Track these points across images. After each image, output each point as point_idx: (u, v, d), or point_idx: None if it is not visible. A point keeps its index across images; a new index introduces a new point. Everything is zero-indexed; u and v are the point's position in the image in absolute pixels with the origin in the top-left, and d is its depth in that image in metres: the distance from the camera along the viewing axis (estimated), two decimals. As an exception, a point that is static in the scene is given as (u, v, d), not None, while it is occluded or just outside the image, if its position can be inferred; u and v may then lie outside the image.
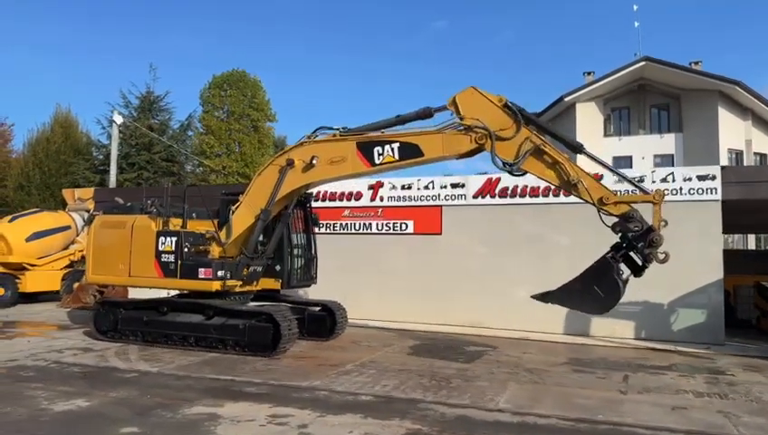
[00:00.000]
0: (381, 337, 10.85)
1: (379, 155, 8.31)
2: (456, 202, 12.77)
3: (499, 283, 12.07)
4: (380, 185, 13.53)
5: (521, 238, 12.12)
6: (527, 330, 11.50)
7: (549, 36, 70.99)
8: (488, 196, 12.52)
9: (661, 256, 7.01)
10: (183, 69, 67.43)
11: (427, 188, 13.07)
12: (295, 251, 10.44)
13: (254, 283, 9.85)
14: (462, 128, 7.82)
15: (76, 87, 64.28)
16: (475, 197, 12.62)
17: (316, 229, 11.06)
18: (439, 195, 12.93)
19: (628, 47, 62.52)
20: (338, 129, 8.75)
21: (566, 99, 31.81)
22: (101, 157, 28.81)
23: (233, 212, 9.38)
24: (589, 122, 32.07)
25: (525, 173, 7.85)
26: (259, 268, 9.80)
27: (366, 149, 8.39)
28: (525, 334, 11.25)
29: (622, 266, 7.35)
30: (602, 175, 10.31)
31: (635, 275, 7.40)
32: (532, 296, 8.26)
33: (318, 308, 10.58)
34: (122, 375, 7.24)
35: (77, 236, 16.96)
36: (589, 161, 8.12)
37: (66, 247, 16.72)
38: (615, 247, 7.46)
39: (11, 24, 61.06)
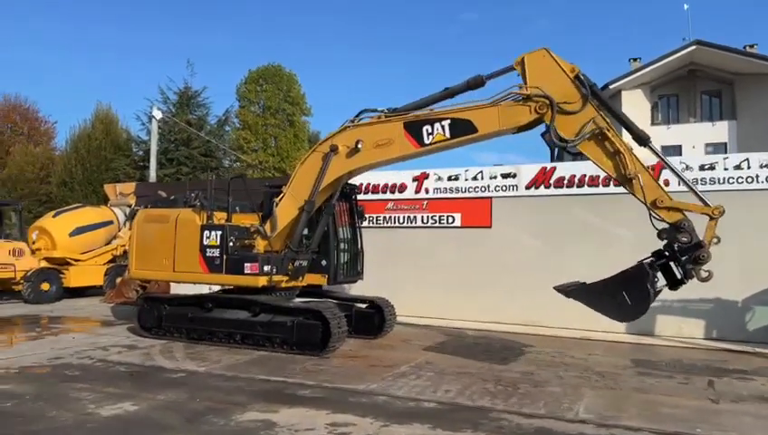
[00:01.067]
0: (431, 336, 10.32)
1: (429, 134, 7.78)
2: (506, 193, 12.11)
3: (554, 279, 11.10)
4: (425, 176, 12.98)
5: (578, 231, 11.38)
6: (586, 329, 10.78)
7: (583, 25, 68.84)
8: (542, 186, 11.82)
9: (704, 275, 6.41)
10: (215, 65, 67.90)
11: (475, 178, 12.44)
12: (341, 245, 10.01)
13: (300, 278, 9.46)
14: (520, 98, 7.21)
15: (115, 84, 65.55)
16: (527, 187, 11.93)
17: (362, 223, 10.59)
18: (489, 186, 12.29)
19: (667, 35, 60.02)
20: (382, 110, 8.26)
21: (611, 86, 30.52)
22: (141, 153, 29.06)
23: (276, 204, 9.00)
24: (635, 110, 30.58)
25: (580, 154, 7.19)
26: (305, 263, 9.40)
27: (414, 129, 7.88)
28: (585, 334, 10.55)
29: (659, 276, 6.72)
30: (666, 165, 9.56)
31: (670, 288, 6.79)
32: (554, 288, 7.68)
33: (365, 305, 10.11)
34: (169, 376, 6.91)
35: (119, 231, 16.96)
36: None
37: (109, 242, 16.73)
38: (656, 254, 6.80)
39: (50, 24, 62.65)
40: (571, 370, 7.60)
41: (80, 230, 15.68)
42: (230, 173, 30.15)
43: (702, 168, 10.67)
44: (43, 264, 15.04)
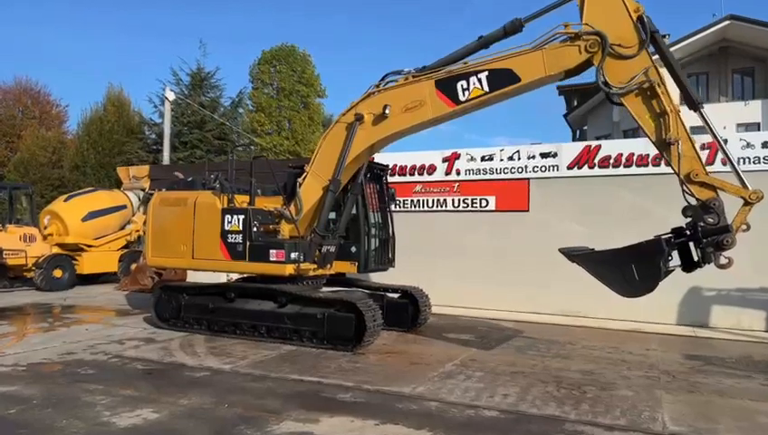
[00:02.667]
0: (468, 328, 9.59)
1: (464, 90, 7.08)
2: (546, 174, 11.26)
3: (598, 266, 10.53)
4: (456, 156, 12.16)
5: (625, 215, 10.48)
6: (633, 320, 10.02)
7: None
8: (585, 166, 10.95)
9: (723, 261, 5.80)
10: (227, 45, 66.90)
11: (511, 158, 11.59)
12: (372, 230, 9.24)
13: (328, 266, 8.75)
14: (567, 38, 6.52)
15: (126, 65, 64.70)
16: (569, 167, 11.06)
17: (393, 206, 9.82)
18: (526, 166, 11.44)
19: (695, 11, 57.98)
20: (409, 71, 7.55)
21: (639, 64, 29.23)
22: (154, 136, 28.44)
23: (300, 184, 8.29)
24: (663, 90, 29.44)
25: (621, 105, 6.47)
26: (332, 249, 8.69)
27: (447, 87, 7.19)
28: (634, 325, 9.78)
29: (674, 255, 6.09)
30: (711, 133, 8.69)
31: (684, 270, 6.16)
32: (560, 250, 7.22)
33: (398, 295, 9.38)
34: (191, 374, 6.23)
35: (133, 215, 16.37)
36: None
37: (122, 227, 16.15)
38: (676, 231, 6.12)
39: (59, 5, 62.02)
40: (634, 368, 6.83)
41: (92, 215, 15.08)
42: (246, 156, 29.49)
43: (765, 145, 9.74)
44: (55, 250, 14.50)
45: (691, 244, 6.09)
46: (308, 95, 34.95)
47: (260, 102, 33.87)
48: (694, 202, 6.09)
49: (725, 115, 28.96)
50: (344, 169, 7.96)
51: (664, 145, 6.20)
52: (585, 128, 35.22)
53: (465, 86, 7.06)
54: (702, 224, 5.88)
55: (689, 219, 6.10)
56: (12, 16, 55.62)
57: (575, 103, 36.74)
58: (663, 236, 6.05)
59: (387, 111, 7.48)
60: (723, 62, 29.86)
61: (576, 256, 6.89)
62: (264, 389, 5.69)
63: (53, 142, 30.97)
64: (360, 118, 7.71)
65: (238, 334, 8.28)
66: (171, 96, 23.03)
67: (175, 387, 5.71)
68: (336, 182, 7.97)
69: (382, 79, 7.77)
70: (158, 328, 8.89)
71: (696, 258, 6.06)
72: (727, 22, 27.65)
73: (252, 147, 32.01)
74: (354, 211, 8.91)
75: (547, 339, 8.67)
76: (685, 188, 6.09)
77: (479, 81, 6.98)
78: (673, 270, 6.12)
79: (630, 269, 5.98)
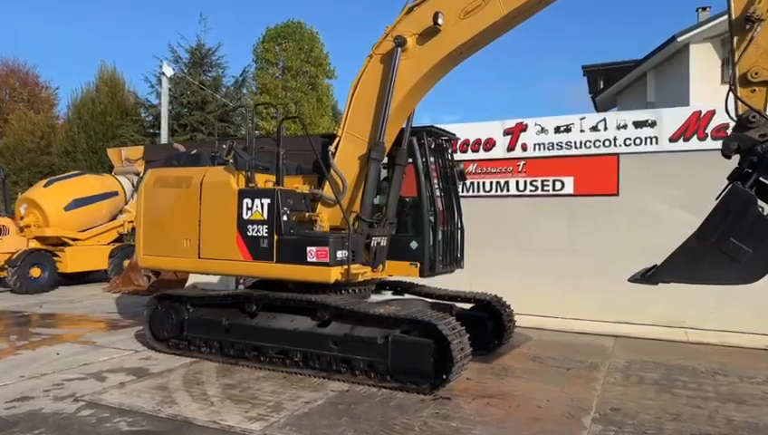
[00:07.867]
0: (560, 347, 7.37)
1: None
2: (641, 148, 8.96)
3: (712, 264, 8.28)
4: (522, 127, 9.86)
5: (748, 199, 8.25)
6: (756, 332, 7.84)
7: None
8: (694, 137, 8.66)
9: None
10: (228, 21, 63.33)
11: (595, 129, 9.28)
12: (438, 219, 6.94)
13: (381, 266, 6.51)
14: None
15: (120, 42, 60.94)
16: (673, 140, 8.77)
17: (460, 187, 7.51)
18: (615, 139, 9.14)
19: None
20: None
21: (679, 39, 26.79)
22: (151, 118, 26.12)
23: (333, 154, 6.11)
24: (703, 67, 26.91)
25: None
26: (384, 242, 6.46)
27: None
28: (759, 339, 7.57)
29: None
30: None
31: None
32: (630, 280, 4.94)
33: (470, 305, 7.13)
34: (203, 446, 3.99)
35: (125, 203, 14.12)
36: None
37: (114, 218, 13.92)
38: (736, 177, 4.23)
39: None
40: None
41: (78, 203, 12.89)
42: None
43: None
44: (33, 244, 12.30)
45: (764, 177, 4.12)
46: (316, 76, 32.53)
47: (264, 83, 31.47)
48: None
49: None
50: (388, 123, 5.88)
51: (743, 21, 4.32)
52: (615, 110, 33.01)
53: None
54: (760, 145, 4.03)
55: (739, 153, 4.21)
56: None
57: (601, 85, 34.43)
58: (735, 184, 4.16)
59: (440, 22, 5.58)
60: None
61: (656, 275, 4.58)
62: (325, 482, 3.44)
63: (42, 127, 28.62)
64: (401, 42, 5.80)
65: (262, 362, 6.05)
66: (169, 72, 20.72)
67: (177, 477, 3.47)
68: (379, 147, 5.91)
69: None
70: (153, 350, 6.67)
71: None
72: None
73: (256, 132, 29.70)
74: (402, 195, 6.67)
75: (679, 366, 6.42)
76: (732, 90, 4.22)
77: None
78: None
79: (732, 243, 4.08)
